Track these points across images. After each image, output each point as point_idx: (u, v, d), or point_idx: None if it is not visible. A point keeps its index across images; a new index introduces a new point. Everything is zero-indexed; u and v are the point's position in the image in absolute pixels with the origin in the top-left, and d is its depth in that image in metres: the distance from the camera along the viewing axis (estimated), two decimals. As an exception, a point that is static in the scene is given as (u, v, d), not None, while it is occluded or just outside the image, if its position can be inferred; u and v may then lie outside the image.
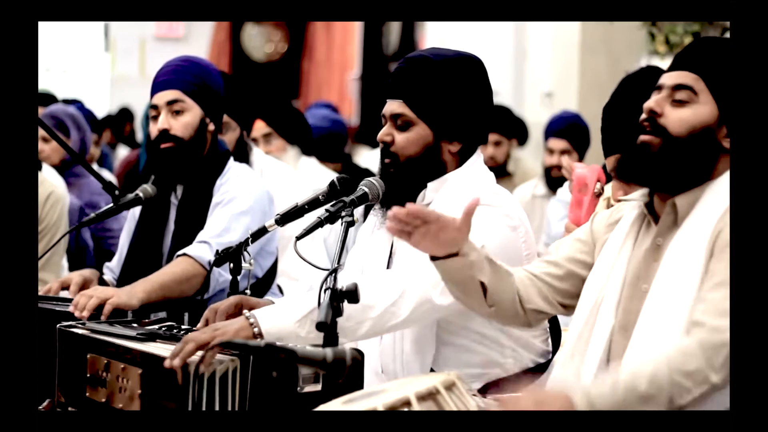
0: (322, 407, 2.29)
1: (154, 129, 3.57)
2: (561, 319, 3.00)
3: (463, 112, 2.94)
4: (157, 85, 3.59)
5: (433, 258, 2.54)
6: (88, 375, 2.83)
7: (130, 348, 2.73)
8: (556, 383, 2.52)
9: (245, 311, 2.77)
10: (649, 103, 2.46)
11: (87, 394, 2.84)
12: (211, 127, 3.62)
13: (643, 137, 2.45)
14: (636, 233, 2.52)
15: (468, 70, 2.95)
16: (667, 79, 2.48)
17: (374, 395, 2.28)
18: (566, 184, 4.90)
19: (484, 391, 2.88)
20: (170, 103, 3.55)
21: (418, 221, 2.45)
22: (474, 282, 2.55)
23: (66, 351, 2.91)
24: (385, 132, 2.97)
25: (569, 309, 2.65)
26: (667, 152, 2.42)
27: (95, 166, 5.82)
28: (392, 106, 2.96)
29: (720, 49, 2.45)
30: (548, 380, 2.58)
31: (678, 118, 2.43)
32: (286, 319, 2.71)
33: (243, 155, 4.32)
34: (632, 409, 2.22)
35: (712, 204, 2.39)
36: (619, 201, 2.78)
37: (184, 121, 3.55)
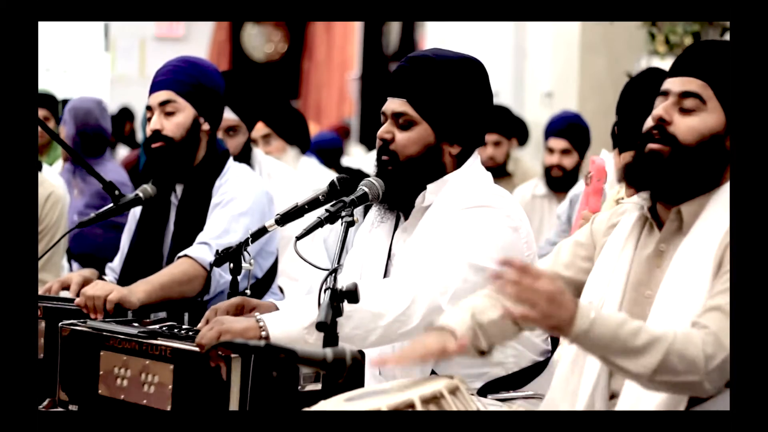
0: (322, 403, 2.29)
1: (148, 130, 3.59)
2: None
3: (466, 114, 2.94)
4: (153, 86, 3.61)
5: None
6: (101, 372, 2.83)
7: (158, 344, 2.74)
8: (558, 389, 2.51)
9: (255, 314, 2.77)
10: (658, 111, 2.44)
11: (100, 391, 2.84)
12: (206, 126, 3.62)
13: (652, 145, 2.43)
14: (637, 237, 2.51)
15: (471, 73, 2.95)
16: (674, 86, 2.45)
17: (376, 395, 2.28)
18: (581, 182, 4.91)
19: (484, 390, 2.88)
20: (162, 103, 3.57)
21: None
22: (473, 352, 2.52)
23: (72, 349, 2.91)
24: (385, 129, 2.96)
25: None
26: (677, 161, 2.40)
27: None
28: (394, 105, 2.95)
29: (726, 54, 2.43)
30: (550, 385, 2.57)
31: (687, 127, 2.41)
32: (294, 324, 2.71)
33: (247, 158, 4.33)
34: (618, 356, 2.20)
35: (719, 213, 2.38)
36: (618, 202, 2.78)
37: (176, 121, 3.56)
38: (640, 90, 3.50)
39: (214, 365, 2.64)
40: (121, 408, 2.78)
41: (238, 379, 2.63)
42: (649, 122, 2.46)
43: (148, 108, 3.61)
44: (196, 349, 2.68)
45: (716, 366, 2.21)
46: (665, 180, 2.42)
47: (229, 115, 4.29)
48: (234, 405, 2.62)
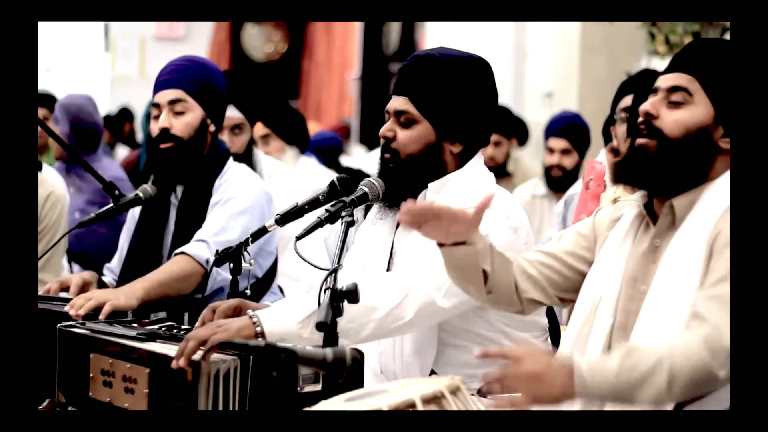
0: (323, 403, 2.29)
1: (155, 127, 3.56)
2: (560, 318, 3.00)
3: (467, 113, 2.94)
4: (160, 84, 3.58)
5: (440, 244, 2.54)
6: (91, 375, 2.83)
7: (137, 348, 2.74)
8: None
9: (248, 311, 2.77)
10: (645, 106, 2.46)
11: (90, 393, 2.84)
12: (212, 128, 3.62)
13: (639, 140, 2.45)
14: (635, 233, 2.52)
15: (475, 72, 2.95)
16: (662, 82, 2.48)
17: (377, 395, 2.28)
18: (579, 182, 4.92)
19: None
20: (172, 102, 3.54)
21: (430, 215, 2.45)
22: (477, 269, 2.55)
23: (67, 351, 2.91)
24: (387, 128, 2.96)
25: (565, 302, 2.66)
26: (664, 154, 2.42)
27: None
28: (396, 103, 2.96)
29: (714, 49, 2.45)
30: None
31: (673, 120, 2.43)
32: (288, 319, 2.71)
33: (251, 156, 4.33)
34: (632, 390, 2.20)
35: (711, 205, 2.39)
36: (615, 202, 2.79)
37: (185, 121, 3.55)
38: (634, 89, 3.52)
39: (178, 368, 2.60)
40: (108, 411, 2.77)
41: (204, 383, 2.60)
42: (639, 118, 2.47)
43: (155, 105, 3.58)
44: (171, 353, 2.65)
45: (721, 349, 2.20)
46: (653, 174, 2.43)
47: (235, 114, 4.29)
48: (201, 407, 2.60)
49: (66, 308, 3.11)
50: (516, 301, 2.61)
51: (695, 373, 2.20)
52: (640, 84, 3.55)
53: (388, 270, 3.00)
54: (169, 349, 2.69)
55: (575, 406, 2.40)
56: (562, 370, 2.20)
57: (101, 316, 3.10)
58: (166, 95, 3.55)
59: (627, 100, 3.65)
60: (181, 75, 3.56)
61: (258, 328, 2.68)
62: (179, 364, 2.58)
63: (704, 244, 2.34)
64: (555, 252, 2.65)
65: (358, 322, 2.71)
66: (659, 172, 2.43)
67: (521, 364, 2.19)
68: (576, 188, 4.83)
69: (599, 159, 3.90)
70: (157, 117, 3.57)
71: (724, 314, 2.23)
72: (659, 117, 2.44)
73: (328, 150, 7.60)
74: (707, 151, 2.42)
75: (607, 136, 4.09)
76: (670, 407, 2.27)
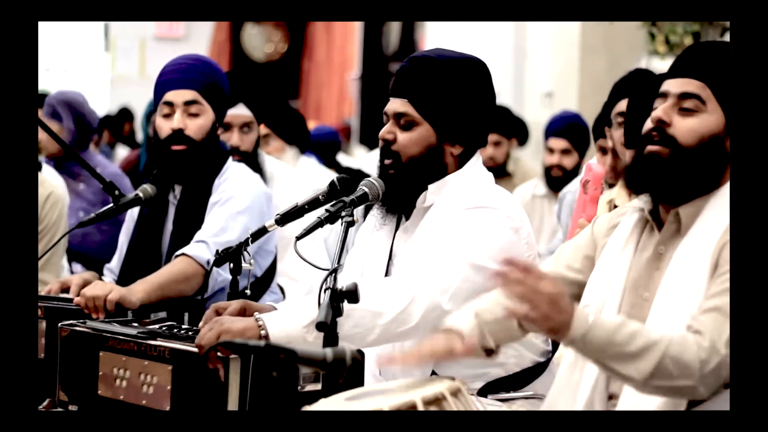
0: (322, 402, 2.29)
1: (166, 126, 3.52)
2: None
3: (468, 115, 2.93)
4: (171, 82, 3.54)
5: None
6: (101, 372, 2.83)
7: (156, 345, 2.75)
8: (558, 389, 2.50)
9: (255, 313, 2.77)
10: (657, 113, 2.43)
11: (99, 392, 2.84)
12: (220, 131, 3.62)
13: (651, 147, 2.42)
14: (637, 239, 2.50)
15: (473, 73, 2.95)
16: (673, 87, 2.44)
17: (378, 395, 2.28)
18: (574, 181, 4.92)
19: (484, 390, 2.88)
20: (188, 103, 3.52)
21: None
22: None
23: (72, 349, 2.92)
24: (387, 130, 2.96)
25: None
26: (677, 163, 2.39)
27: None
28: (396, 105, 2.95)
29: (724, 55, 2.42)
30: (551, 385, 2.56)
31: (687, 128, 2.40)
32: (293, 323, 2.71)
33: (257, 156, 4.33)
34: (613, 361, 2.19)
35: (717, 214, 2.37)
36: (616, 206, 2.78)
37: (200, 123, 3.53)
38: (629, 92, 3.51)
39: (213, 367, 2.64)
40: (120, 408, 2.79)
41: (236, 381, 2.63)
42: (648, 124, 2.45)
43: (167, 104, 3.53)
44: (195, 349, 2.68)
45: (710, 370, 2.20)
46: (665, 182, 2.41)
47: (244, 112, 4.29)
48: (232, 406, 2.62)
49: (86, 311, 3.14)
50: (520, 333, 2.53)
51: (680, 371, 2.19)
52: (635, 85, 3.54)
53: (386, 273, 3.00)
54: (191, 346, 2.71)
55: (576, 406, 2.40)
56: (571, 305, 2.19)
57: (108, 305, 3.14)
58: (182, 95, 3.52)
59: (623, 105, 3.64)
60: (192, 75, 3.53)
61: (263, 331, 2.68)
62: (214, 363, 2.61)
63: (710, 253, 2.33)
64: (554, 270, 2.62)
65: (363, 327, 2.71)
66: (671, 180, 2.40)
67: (542, 280, 2.17)
68: (570, 187, 4.82)
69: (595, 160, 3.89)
70: (167, 115, 3.54)
71: (719, 328, 2.22)
72: (672, 124, 2.42)
73: (326, 145, 7.56)
74: (719, 159, 2.40)
75: (597, 134, 4.09)
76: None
